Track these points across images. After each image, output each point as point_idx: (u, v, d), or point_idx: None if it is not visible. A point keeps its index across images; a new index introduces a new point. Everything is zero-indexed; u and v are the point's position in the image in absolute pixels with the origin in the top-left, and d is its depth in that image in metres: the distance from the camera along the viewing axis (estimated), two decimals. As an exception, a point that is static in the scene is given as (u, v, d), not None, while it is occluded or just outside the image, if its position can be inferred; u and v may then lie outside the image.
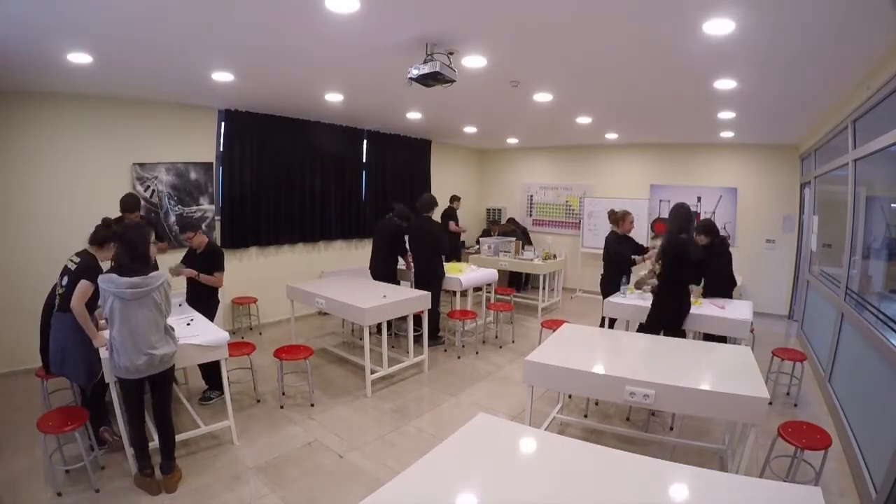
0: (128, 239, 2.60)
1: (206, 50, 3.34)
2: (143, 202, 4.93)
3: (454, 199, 7.95)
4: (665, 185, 7.71)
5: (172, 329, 2.78)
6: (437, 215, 5.69)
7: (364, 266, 7.00)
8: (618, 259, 4.69)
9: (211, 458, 3.04)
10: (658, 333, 3.62)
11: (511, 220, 8.71)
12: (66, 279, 2.86)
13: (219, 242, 5.61)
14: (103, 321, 2.83)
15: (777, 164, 6.83)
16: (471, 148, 9.56)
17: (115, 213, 3.77)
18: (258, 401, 3.89)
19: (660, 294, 3.70)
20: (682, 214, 3.64)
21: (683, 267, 3.60)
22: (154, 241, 3.10)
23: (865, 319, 3.29)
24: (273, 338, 5.48)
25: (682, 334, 3.76)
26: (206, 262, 3.85)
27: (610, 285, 4.66)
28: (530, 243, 7.98)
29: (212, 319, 3.67)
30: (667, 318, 3.69)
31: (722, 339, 3.82)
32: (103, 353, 2.67)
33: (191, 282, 3.92)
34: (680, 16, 2.53)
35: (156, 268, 2.91)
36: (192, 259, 3.91)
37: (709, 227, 4.21)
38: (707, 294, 4.21)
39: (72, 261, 2.93)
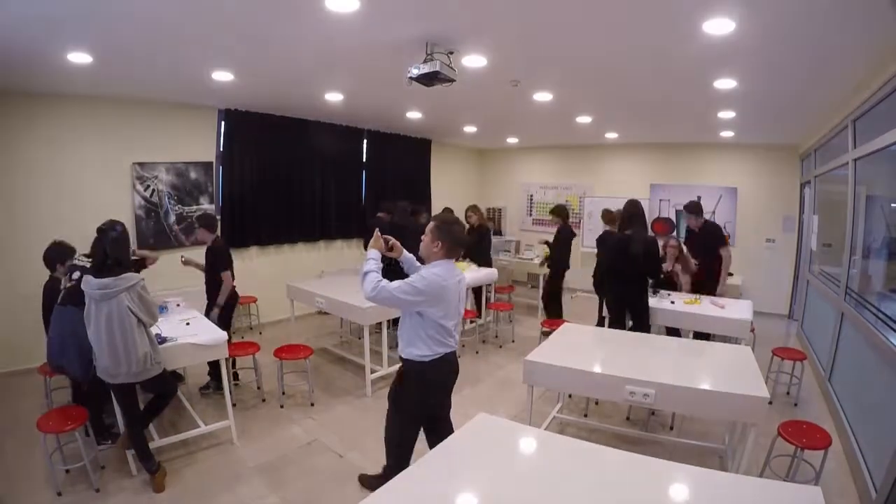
0: (104, 241, 2.58)
1: (206, 49, 3.34)
2: (143, 202, 4.95)
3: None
4: (665, 185, 7.70)
5: (155, 334, 2.74)
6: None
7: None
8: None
9: (211, 458, 3.04)
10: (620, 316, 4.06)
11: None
12: (76, 273, 2.88)
13: (219, 242, 5.62)
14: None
15: (777, 164, 6.82)
16: (471, 147, 9.55)
17: (114, 213, 3.75)
18: (263, 400, 3.89)
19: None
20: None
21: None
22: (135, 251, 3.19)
23: (865, 319, 3.29)
24: (273, 337, 5.47)
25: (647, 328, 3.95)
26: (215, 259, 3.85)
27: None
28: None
29: (230, 315, 3.84)
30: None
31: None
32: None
33: (208, 272, 3.89)
34: (680, 16, 2.53)
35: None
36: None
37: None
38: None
39: (80, 259, 2.96)
